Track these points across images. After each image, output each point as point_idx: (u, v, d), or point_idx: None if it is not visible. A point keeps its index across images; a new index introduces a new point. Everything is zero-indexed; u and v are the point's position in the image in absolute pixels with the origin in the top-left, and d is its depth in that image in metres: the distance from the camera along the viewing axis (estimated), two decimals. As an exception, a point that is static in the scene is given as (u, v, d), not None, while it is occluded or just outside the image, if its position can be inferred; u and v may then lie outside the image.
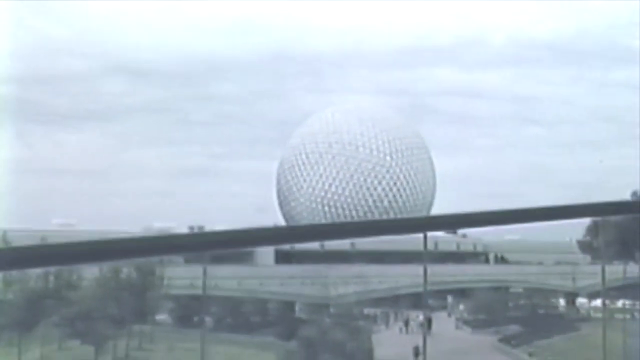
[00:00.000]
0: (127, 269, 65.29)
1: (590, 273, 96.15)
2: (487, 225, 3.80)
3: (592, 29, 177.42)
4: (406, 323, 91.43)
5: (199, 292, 76.78)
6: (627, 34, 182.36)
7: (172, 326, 73.05)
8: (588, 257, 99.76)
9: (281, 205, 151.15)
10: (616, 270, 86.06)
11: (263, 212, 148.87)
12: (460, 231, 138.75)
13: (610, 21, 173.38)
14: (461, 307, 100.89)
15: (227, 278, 77.37)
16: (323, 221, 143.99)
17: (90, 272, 64.04)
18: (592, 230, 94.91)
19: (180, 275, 71.56)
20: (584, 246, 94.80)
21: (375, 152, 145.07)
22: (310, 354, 67.05)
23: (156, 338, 65.55)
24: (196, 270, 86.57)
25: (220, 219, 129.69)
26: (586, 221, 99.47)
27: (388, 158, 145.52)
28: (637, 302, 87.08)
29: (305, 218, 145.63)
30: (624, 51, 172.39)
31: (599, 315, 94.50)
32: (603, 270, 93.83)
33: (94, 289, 60.12)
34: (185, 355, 64.14)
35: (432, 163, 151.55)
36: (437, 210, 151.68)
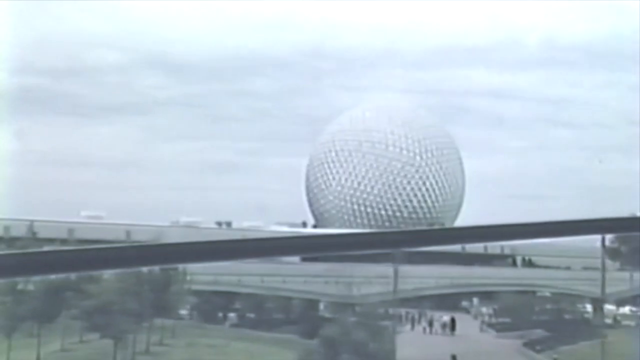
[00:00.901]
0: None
1: (618, 279, 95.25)
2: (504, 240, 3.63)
3: (627, 31, 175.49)
4: (430, 323, 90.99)
5: (222, 288, 76.81)
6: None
7: (195, 322, 73.01)
8: (616, 264, 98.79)
9: (310, 202, 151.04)
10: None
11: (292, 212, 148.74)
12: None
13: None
14: (486, 309, 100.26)
15: (250, 274, 77.17)
16: (351, 219, 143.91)
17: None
18: (620, 236, 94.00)
19: (204, 271, 71.44)
20: (611, 252, 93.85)
21: (404, 152, 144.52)
22: (332, 353, 66.74)
23: (178, 333, 65.36)
24: (220, 266, 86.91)
25: (248, 216, 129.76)
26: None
27: (418, 158, 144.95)
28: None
29: (334, 216, 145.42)
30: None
31: (626, 322, 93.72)
32: (631, 278, 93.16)
33: (115, 283, 59.99)
34: (205, 351, 64.02)
35: (461, 164, 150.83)
36: (465, 210, 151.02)
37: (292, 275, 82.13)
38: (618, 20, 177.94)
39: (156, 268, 65.22)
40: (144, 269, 64.57)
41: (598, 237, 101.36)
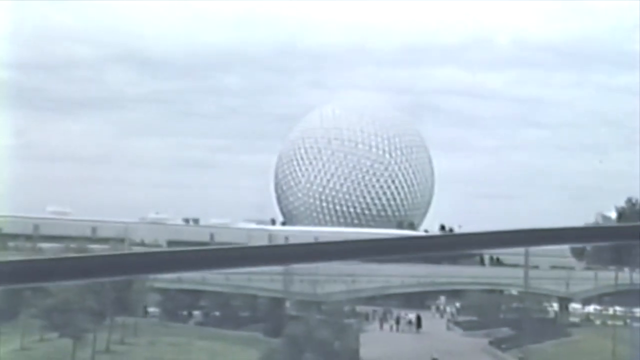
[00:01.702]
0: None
1: (583, 278, 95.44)
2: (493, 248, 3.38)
3: (598, 33, 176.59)
4: (397, 321, 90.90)
5: (186, 286, 76.22)
6: (632, 39, 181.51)
7: (158, 320, 72.35)
8: (582, 263, 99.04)
9: (279, 199, 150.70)
10: (608, 277, 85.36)
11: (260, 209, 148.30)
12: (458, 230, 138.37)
13: (616, 25, 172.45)
14: (452, 308, 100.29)
15: (214, 273, 76.63)
16: (320, 217, 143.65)
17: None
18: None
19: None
20: (576, 251, 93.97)
21: (374, 150, 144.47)
22: (295, 352, 66.33)
23: (140, 332, 64.64)
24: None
25: (216, 213, 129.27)
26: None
27: (387, 156, 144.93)
28: (629, 309, 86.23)
29: (303, 213, 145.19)
30: (629, 56, 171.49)
31: (592, 321, 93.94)
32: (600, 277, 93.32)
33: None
34: (167, 350, 63.41)
35: (431, 162, 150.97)
36: (434, 209, 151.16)
37: (257, 273, 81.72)
38: (588, 21, 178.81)
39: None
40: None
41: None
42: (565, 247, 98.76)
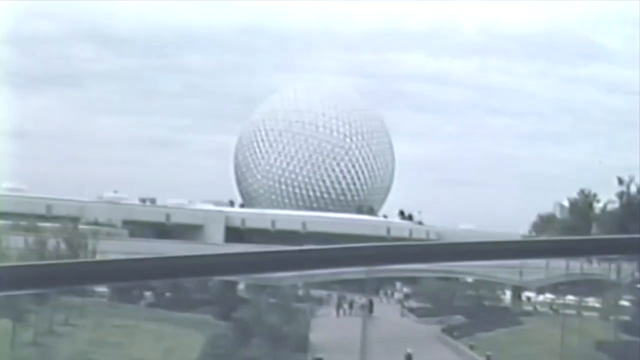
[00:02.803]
0: (54, 240, 63.71)
1: (536, 268, 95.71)
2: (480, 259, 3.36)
3: (563, 24, 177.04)
4: (350, 306, 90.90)
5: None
6: (597, 32, 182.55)
7: (107, 301, 71.46)
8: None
9: (238, 181, 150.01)
10: (559, 266, 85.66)
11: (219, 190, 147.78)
12: (417, 219, 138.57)
13: (581, 17, 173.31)
14: (402, 294, 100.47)
15: (164, 254, 75.92)
16: (279, 199, 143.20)
17: (14, 241, 62.39)
18: (538, 225, 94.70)
19: (116, 249, 70.15)
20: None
21: (335, 133, 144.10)
22: (244, 335, 65.92)
23: (87, 313, 63.76)
24: (132, 244, 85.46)
25: (175, 193, 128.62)
26: (532, 217, 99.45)
27: (348, 140, 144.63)
28: (580, 298, 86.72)
29: (262, 195, 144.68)
30: (593, 48, 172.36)
31: (543, 309, 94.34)
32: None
33: (15, 259, 58.22)
34: (112, 332, 62.69)
35: (392, 147, 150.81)
36: (394, 194, 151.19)
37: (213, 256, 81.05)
38: (554, 13, 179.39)
39: (62, 243, 64.09)
40: (49, 245, 63.30)
41: (521, 225, 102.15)
42: (517, 237, 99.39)
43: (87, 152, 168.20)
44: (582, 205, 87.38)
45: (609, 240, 3.54)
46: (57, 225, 74.27)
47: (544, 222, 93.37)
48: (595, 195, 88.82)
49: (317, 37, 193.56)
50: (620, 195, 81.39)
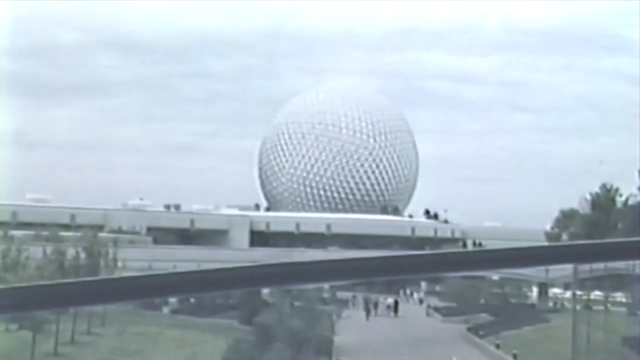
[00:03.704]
0: (74, 249, 63.85)
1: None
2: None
3: (585, 17, 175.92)
4: (375, 306, 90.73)
5: (162, 272, 75.56)
6: (619, 23, 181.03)
7: (130, 308, 71.58)
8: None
9: (263, 184, 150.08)
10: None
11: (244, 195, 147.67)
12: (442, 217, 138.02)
13: (603, 9, 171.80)
14: (432, 293, 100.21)
15: (186, 260, 76.10)
16: (304, 202, 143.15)
17: (34, 251, 62.60)
18: (560, 221, 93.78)
19: (135, 257, 70.33)
20: (551, 237, 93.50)
21: (358, 134, 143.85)
22: (267, 339, 65.76)
23: (109, 321, 63.88)
24: (152, 252, 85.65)
25: (199, 198, 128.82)
26: (555, 212, 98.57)
27: (371, 140, 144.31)
28: (608, 294, 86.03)
29: (287, 198, 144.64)
30: (615, 40, 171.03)
31: (569, 306, 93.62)
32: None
33: (34, 270, 58.43)
34: (135, 340, 62.66)
35: (415, 146, 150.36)
36: (419, 193, 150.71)
37: (230, 261, 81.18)
38: (575, 6, 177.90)
39: (82, 253, 64.23)
40: (69, 255, 63.41)
41: (547, 221, 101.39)
42: (541, 233, 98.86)
43: (111, 160, 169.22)
44: (604, 199, 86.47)
45: (630, 243, 3.31)
46: (78, 234, 74.54)
47: (566, 217, 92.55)
48: (617, 189, 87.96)
49: (339, 39, 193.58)
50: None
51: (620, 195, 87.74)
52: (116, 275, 54.72)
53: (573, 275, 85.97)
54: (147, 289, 3.10)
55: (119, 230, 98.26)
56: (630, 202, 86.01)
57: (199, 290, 3.16)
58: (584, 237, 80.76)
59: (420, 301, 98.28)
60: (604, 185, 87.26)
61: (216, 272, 3.07)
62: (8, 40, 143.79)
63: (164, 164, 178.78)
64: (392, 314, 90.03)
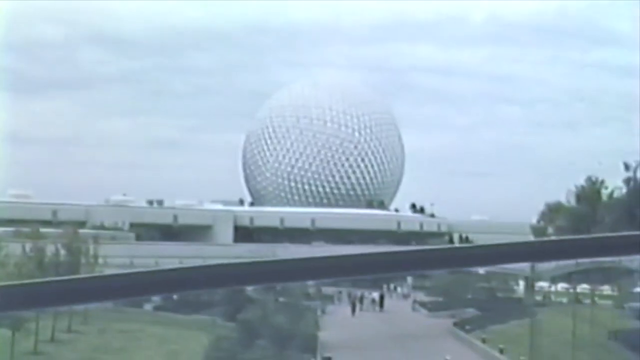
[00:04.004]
0: (53, 245, 62.88)
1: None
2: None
3: (572, 9, 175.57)
4: (360, 301, 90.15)
5: (144, 268, 74.63)
6: (607, 15, 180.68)
7: (112, 305, 70.66)
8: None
9: (247, 179, 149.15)
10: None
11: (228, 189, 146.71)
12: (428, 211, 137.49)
13: (591, 2, 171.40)
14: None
15: (168, 257, 75.29)
16: (288, 196, 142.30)
17: (13, 248, 61.62)
18: (546, 215, 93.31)
19: (115, 253, 69.44)
20: (536, 230, 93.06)
21: (343, 128, 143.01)
22: (249, 335, 65.04)
23: (91, 318, 62.92)
24: (131, 248, 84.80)
25: (183, 193, 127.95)
26: (541, 206, 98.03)
27: (356, 134, 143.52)
28: (595, 287, 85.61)
29: (271, 193, 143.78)
30: (603, 32, 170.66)
31: (557, 299, 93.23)
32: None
33: (12, 267, 57.47)
34: (117, 337, 61.84)
35: (401, 140, 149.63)
36: (405, 187, 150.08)
37: (211, 257, 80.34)
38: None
39: (61, 250, 63.25)
40: (49, 251, 62.46)
41: (534, 214, 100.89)
42: (527, 227, 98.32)
43: (95, 156, 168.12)
44: (590, 192, 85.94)
45: (617, 238, 3.21)
46: (59, 230, 73.58)
47: (552, 211, 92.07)
48: (602, 182, 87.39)
49: (324, 32, 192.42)
50: (627, 181, 79.98)
51: (606, 188, 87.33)
52: (96, 272, 53.71)
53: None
54: (131, 287, 3.01)
55: (101, 227, 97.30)
56: (615, 194, 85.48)
57: (185, 288, 3.17)
58: (569, 230, 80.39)
59: (404, 296, 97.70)
60: (589, 178, 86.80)
61: (200, 269, 3.01)
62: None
63: (149, 159, 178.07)
64: (377, 308, 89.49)
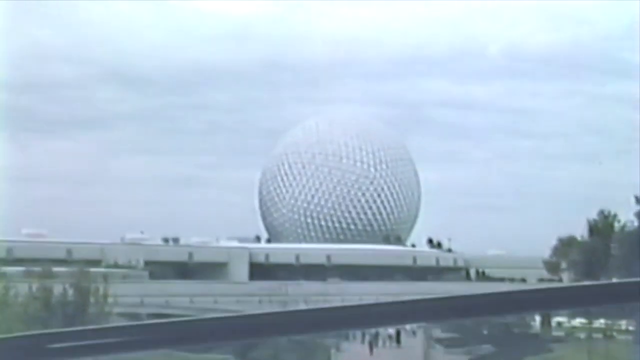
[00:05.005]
0: (61, 285, 62.59)
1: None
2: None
3: (587, 41, 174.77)
4: (375, 336, 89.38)
5: (152, 310, 74.39)
6: (622, 47, 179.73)
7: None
8: (566, 275, 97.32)
9: (263, 216, 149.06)
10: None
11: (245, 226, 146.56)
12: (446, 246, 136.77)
13: (605, 34, 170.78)
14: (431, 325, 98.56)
15: (178, 295, 75.08)
16: (305, 233, 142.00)
17: (22, 288, 61.39)
18: (559, 249, 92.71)
19: (126, 292, 69.20)
20: (549, 265, 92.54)
21: (359, 164, 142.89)
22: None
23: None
24: (143, 287, 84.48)
25: (199, 231, 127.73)
26: (555, 240, 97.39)
27: (372, 169, 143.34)
28: (613, 322, 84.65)
29: (287, 229, 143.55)
30: (618, 64, 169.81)
31: (576, 335, 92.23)
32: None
33: (17, 306, 57.25)
34: (126, 378, 61.44)
35: (417, 175, 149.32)
36: (421, 222, 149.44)
37: (223, 295, 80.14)
38: (578, 31, 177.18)
39: (69, 289, 63.02)
40: (56, 290, 62.24)
41: (546, 250, 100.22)
42: (534, 260, 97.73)
43: (111, 194, 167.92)
44: (602, 226, 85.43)
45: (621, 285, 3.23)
46: (74, 269, 73.42)
47: (565, 245, 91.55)
48: (615, 215, 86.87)
49: (340, 68, 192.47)
50: (638, 214, 79.40)
51: (619, 222, 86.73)
52: (105, 311, 53.21)
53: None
54: (135, 342, 3.02)
55: (115, 265, 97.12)
56: (627, 228, 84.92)
57: (191, 342, 3.12)
58: (582, 264, 79.78)
59: (413, 332, 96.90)
60: (601, 212, 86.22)
61: (207, 321, 3.01)
62: (8, 76, 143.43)
63: (164, 197, 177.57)
64: (394, 344, 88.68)
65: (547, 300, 3.32)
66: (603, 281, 3.04)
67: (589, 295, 3.32)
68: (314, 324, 3.14)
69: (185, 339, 3.13)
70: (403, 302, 3.09)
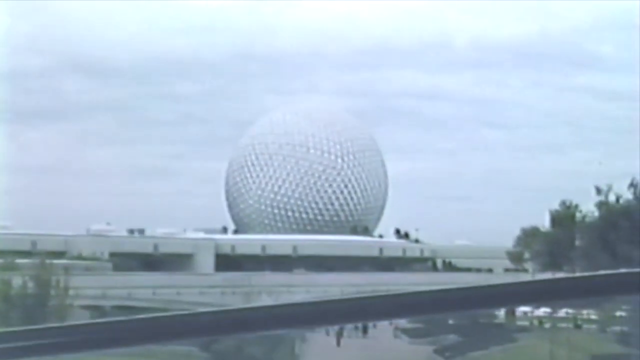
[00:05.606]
0: (21, 279, 61.97)
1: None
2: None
3: (555, 33, 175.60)
4: (341, 328, 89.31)
5: (116, 302, 73.92)
6: (589, 39, 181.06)
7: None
8: (530, 266, 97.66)
9: (230, 206, 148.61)
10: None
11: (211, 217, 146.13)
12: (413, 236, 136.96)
13: (573, 26, 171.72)
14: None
15: (141, 287, 74.61)
16: (272, 224, 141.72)
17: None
18: (522, 239, 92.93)
19: (87, 284, 68.61)
20: (512, 255, 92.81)
21: (326, 154, 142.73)
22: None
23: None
24: (107, 279, 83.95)
25: (166, 222, 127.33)
26: (516, 231, 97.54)
27: (339, 160, 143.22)
28: (576, 312, 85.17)
29: (254, 220, 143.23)
30: (586, 56, 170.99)
31: (540, 325, 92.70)
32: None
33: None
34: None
35: (384, 165, 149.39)
36: (388, 213, 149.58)
37: (187, 287, 79.80)
38: (545, 22, 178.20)
39: (29, 282, 62.41)
40: (15, 284, 61.64)
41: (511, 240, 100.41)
42: (501, 250, 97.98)
43: (77, 185, 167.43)
44: (564, 216, 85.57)
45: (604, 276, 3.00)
46: (35, 261, 72.78)
47: (528, 235, 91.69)
48: (577, 206, 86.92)
49: (308, 59, 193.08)
50: (599, 205, 79.47)
51: (580, 212, 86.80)
52: (65, 304, 52.60)
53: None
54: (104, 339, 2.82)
55: (79, 257, 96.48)
56: (587, 219, 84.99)
57: (158, 339, 2.95)
58: (545, 255, 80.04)
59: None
60: (563, 202, 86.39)
61: (175, 318, 2.84)
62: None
63: (132, 188, 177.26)
64: (360, 334, 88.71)
65: (535, 293, 3.08)
66: (584, 273, 2.92)
67: (571, 288, 3.08)
68: (281, 320, 2.90)
69: (149, 337, 2.94)
70: (378, 297, 2.89)
